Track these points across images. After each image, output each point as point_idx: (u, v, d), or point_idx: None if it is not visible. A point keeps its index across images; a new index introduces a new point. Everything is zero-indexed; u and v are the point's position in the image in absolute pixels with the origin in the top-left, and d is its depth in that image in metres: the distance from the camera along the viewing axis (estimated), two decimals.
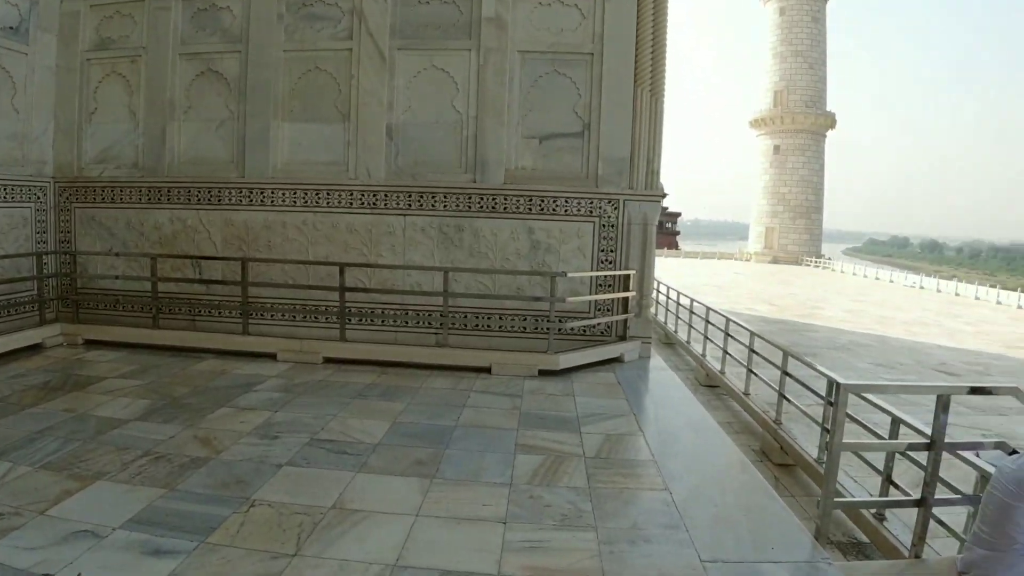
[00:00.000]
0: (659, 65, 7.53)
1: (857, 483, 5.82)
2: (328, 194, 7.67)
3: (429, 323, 7.56)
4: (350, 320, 7.42)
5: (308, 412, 5.27)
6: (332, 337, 7.28)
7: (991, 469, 3.72)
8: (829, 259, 50.24)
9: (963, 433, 7.50)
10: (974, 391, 4.29)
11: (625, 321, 7.65)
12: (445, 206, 7.55)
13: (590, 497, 3.84)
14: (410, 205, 7.56)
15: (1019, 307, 28.32)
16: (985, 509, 3.55)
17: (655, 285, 15.50)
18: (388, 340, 7.45)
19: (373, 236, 7.64)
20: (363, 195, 7.61)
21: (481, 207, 7.52)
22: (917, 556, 4.10)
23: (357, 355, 6.98)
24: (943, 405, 3.80)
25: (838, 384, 3.79)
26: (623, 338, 7.62)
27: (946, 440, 3.95)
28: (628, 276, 7.51)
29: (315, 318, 7.71)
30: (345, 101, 7.66)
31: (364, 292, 7.50)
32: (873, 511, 4.99)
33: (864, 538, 5.18)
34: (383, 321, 7.64)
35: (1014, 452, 3.78)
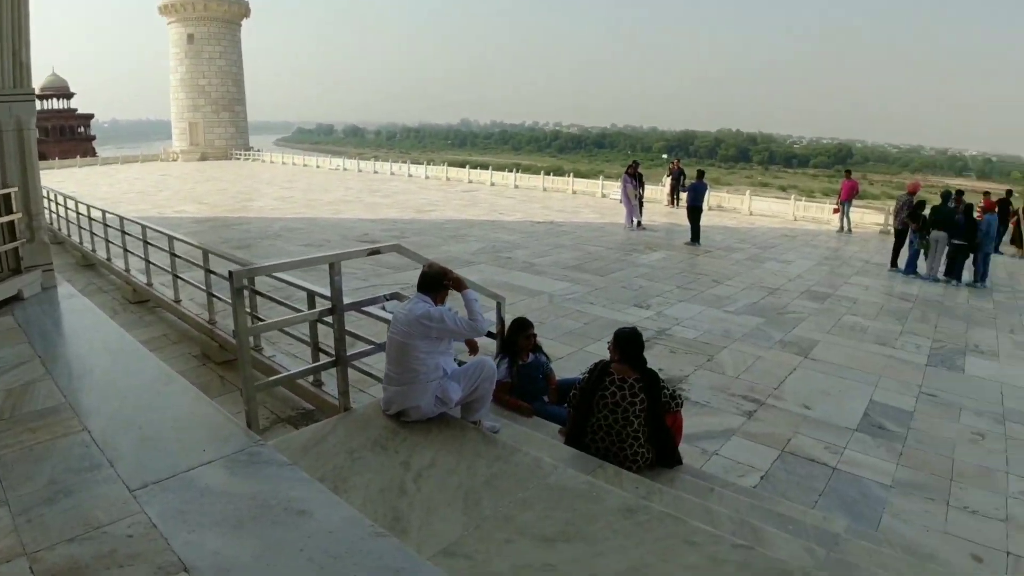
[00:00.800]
0: None
1: (299, 358, 6.11)
2: None
3: None
4: None
5: None
6: None
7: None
8: (259, 151, 50.85)
9: (387, 290, 8.48)
10: (371, 253, 4.72)
11: (16, 251, 6.37)
12: None
13: None
14: None
15: (426, 177, 33.33)
16: (390, 352, 4.01)
17: (61, 201, 13.49)
18: None
19: None
20: None
21: None
22: (346, 408, 4.48)
23: None
24: (336, 271, 4.09)
25: (231, 272, 3.75)
26: (17, 271, 6.36)
27: (347, 301, 4.30)
28: (8, 196, 6.19)
29: None
30: None
31: None
32: (311, 379, 5.26)
33: (311, 406, 5.49)
34: None
35: None
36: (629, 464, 4.04)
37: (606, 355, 4.39)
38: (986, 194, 15.35)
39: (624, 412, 4.02)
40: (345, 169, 39.10)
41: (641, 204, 18.05)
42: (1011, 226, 17.29)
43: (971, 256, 13.07)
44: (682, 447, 4.53)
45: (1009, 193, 18.32)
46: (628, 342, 4.17)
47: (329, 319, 4.35)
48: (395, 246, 4.66)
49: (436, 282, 4.02)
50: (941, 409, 6.42)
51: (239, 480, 3.04)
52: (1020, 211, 17.37)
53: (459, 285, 4.26)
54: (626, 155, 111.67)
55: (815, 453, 5.33)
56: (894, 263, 13.90)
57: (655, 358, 7.05)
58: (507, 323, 5.24)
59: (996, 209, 14.33)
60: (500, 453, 3.66)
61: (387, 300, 4.68)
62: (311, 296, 4.99)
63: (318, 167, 41.55)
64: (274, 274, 5.10)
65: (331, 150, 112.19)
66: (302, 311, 5.02)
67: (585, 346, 7.43)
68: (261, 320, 5.73)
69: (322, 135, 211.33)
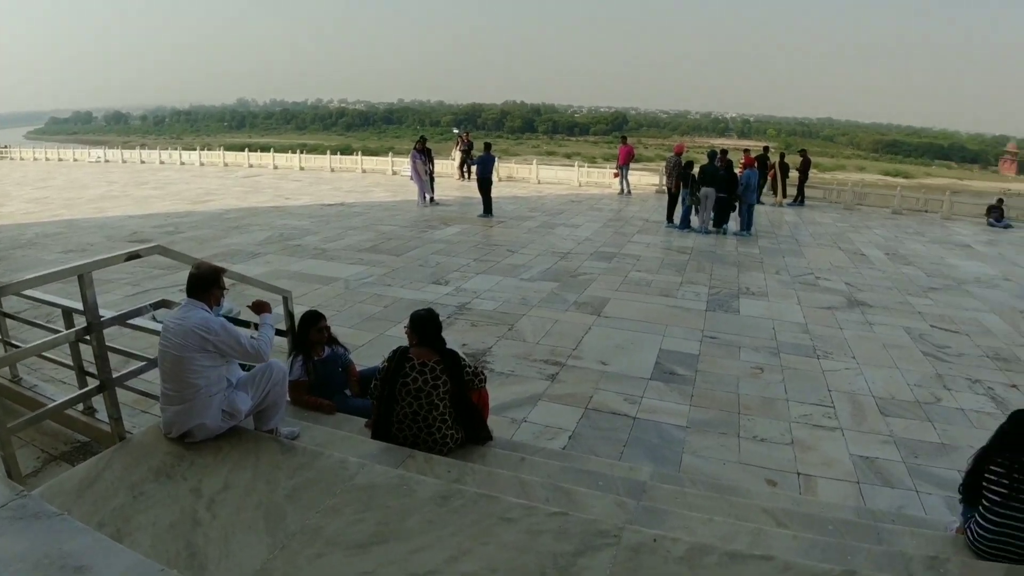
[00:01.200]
0: None
1: (68, 384, 5.38)
2: None
3: None
4: None
5: None
6: None
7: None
8: (6, 147, 44.59)
9: (162, 295, 7.68)
10: (129, 258, 4.16)
11: None
12: None
13: None
14: None
15: (201, 164, 31.02)
16: (163, 367, 3.57)
17: None
18: None
19: None
20: None
21: None
22: (122, 437, 4.00)
23: None
24: (86, 283, 3.58)
25: None
26: None
27: (110, 314, 3.81)
28: None
29: None
30: None
31: None
32: (81, 408, 4.65)
33: (85, 438, 4.85)
34: None
35: None
36: (439, 448, 3.97)
37: (407, 339, 4.27)
38: (746, 151, 16.92)
39: (428, 396, 3.93)
40: (107, 161, 35.30)
41: (432, 179, 18.02)
42: (769, 178, 19.34)
43: (736, 208, 14.46)
44: (491, 419, 4.55)
45: (766, 149, 20.37)
46: (424, 324, 4.07)
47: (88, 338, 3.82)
48: (157, 247, 4.16)
49: (208, 283, 3.63)
50: (723, 349, 7.02)
51: (5, 541, 2.59)
52: (776, 165, 19.46)
53: (261, 307, 3.97)
54: (415, 130, 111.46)
55: (616, 406, 5.60)
56: (670, 219, 15.04)
57: (457, 333, 7.07)
58: (296, 318, 4.95)
59: (755, 164, 15.85)
60: (301, 460, 3.43)
61: (154, 309, 4.20)
62: (67, 313, 4.38)
63: (76, 160, 37.10)
64: (22, 292, 4.39)
65: (91, 140, 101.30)
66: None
67: (386, 330, 7.25)
68: (17, 346, 4.95)
69: (80, 124, 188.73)
